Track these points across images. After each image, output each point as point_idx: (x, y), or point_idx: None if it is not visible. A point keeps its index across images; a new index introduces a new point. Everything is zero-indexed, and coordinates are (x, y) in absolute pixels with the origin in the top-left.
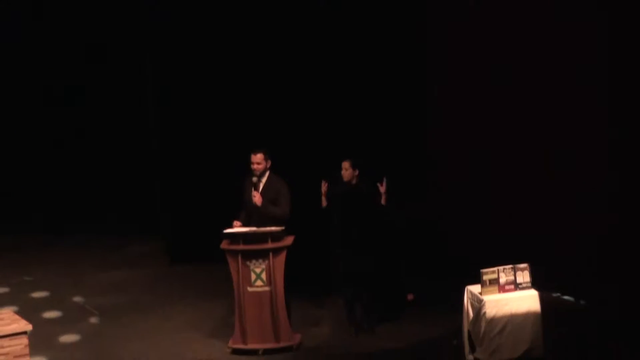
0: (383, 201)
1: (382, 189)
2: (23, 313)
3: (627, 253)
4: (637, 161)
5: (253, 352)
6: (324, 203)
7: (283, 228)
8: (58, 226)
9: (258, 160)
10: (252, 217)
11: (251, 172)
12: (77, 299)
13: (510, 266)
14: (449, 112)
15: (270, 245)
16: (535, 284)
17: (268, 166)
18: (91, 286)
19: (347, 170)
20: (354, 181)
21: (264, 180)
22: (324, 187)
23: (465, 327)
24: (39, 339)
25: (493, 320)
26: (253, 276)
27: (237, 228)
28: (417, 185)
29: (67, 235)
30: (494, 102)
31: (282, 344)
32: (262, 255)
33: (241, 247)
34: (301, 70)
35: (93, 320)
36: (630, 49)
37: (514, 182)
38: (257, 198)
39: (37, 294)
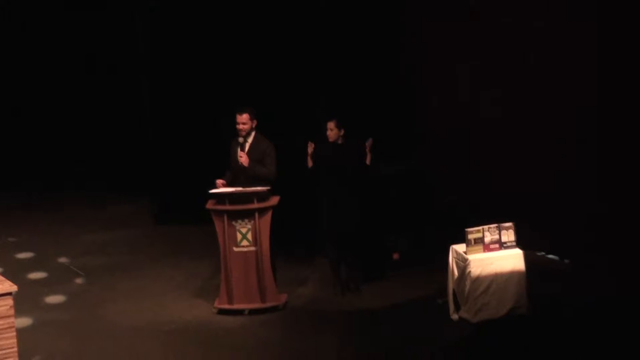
0: (367, 161)
1: (368, 148)
2: (8, 274)
3: (611, 210)
4: (628, 118)
5: (239, 312)
6: (310, 164)
7: (269, 188)
8: (43, 187)
9: (244, 120)
10: (239, 177)
11: (237, 133)
12: (62, 259)
13: (495, 225)
14: (436, 65)
15: (256, 205)
16: (520, 243)
17: (254, 126)
18: (76, 247)
19: (332, 131)
20: (339, 141)
21: (250, 140)
22: (310, 148)
23: (450, 287)
24: (24, 300)
25: (478, 280)
26: (239, 236)
27: (223, 188)
28: (405, 142)
29: (52, 196)
30: (482, 54)
31: (268, 304)
32: (247, 215)
33: (227, 207)
34: (285, 30)
35: (78, 280)
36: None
37: (500, 138)
38: (243, 158)
39: (22, 255)
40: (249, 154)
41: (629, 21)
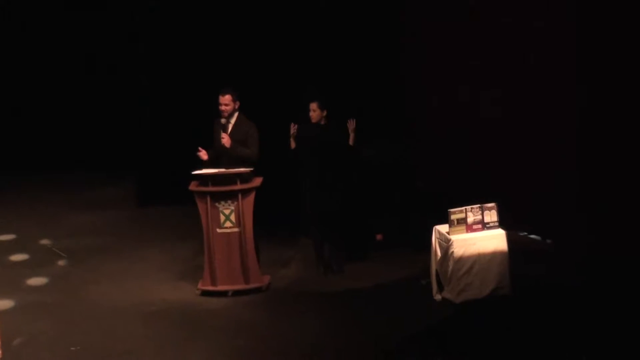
0: (351, 141)
1: (351, 128)
2: None
3: (594, 192)
4: (607, 104)
5: (222, 293)
6: (293, 145)
7: (252, 169)
8: (25, 168)
9: (226, 101)
10: (222, 158)
11: (221, 114)
12: (45, 241)
13: (478, 206)
14: (435, 65)
15: (239, 186)
16: (502, 223)
17: (237, 107)
18: (59, 229)
19: (315, 112)
20: (322, 122)
21: (233, 121)
22: (292, 129)
23: (433, 267)
24: (6, 282)
25: (461, 260)
26: (222, 218)
27: (205, 170)
28: (392, 124)
29: (34, 178)
30: (470, 39)
31: (251, 285)
32: (231, 196)
33: (210, 188)
34: (270, 11)
35: (61, 262)
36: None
37: (485, 121)
38: (225, 140)
39: (3, 237)
40: (231, 135)
41: (626, 22)
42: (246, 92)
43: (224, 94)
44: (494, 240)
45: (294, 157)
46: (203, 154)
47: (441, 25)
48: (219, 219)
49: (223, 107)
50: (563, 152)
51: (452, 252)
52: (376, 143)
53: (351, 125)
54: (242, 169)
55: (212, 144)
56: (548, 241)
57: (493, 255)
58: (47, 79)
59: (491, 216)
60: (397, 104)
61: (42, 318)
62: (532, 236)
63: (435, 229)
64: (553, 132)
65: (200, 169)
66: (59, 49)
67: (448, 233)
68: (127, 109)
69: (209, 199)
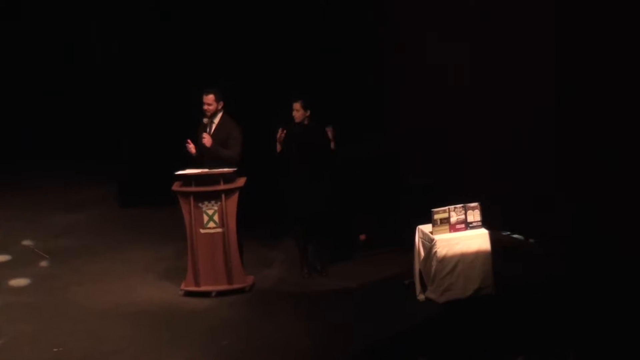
0: (332, 146)
1: (331, 136)
2: None
3: (576, 191)
4: (585, 102)
5: (206, 294)
6: (279, 149)
7: (235, 169)
8: (6, 169)
9: (209, 101)
10: (205, 159)
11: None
12: (27, 242)
13: (461, 205)
14: (404, 46)
15: (222, 186)
16: (485, 222)
17: (220, 107)
18: (41, 229)
19: (298, 112)
20: (305, 122)
21: (216, 121)
22: (281, 133)
23: (417, 267)
24: None
25: (444, 260)
26: (205, 218)
27: (189, 170)
28: (374, 121)
29: (16, 178)
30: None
31: (234, 286)
32: (214, 196)
33: (193, 188)
34: (253, 10)
35: (43, 263)
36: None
37: (467, 120)
38: (206, 140)
39: None
40: (214, 135)
41: None
42: (230, 92)
43: (207, 93)
44: (477, 239)
45: (279, 155)
46: (192, 147)
47: (418, 12)
48: (202, 220)
49: (206, 107)
50: (541, 148)
51: (436, 251)
52: (359, 139)
53: (330, 132)
54: (225, 169)
55: (197, 143)
56: (531, 240)
57: (476, 255)
58: (25, 79)
59: (474, 216)
60: (379, 98)
61: (24, 319)
62: (515, 235)
63: (419, 228)
64: (532, 130)
65: (183, 168)
66: (39, 49)
67: (431, 233)
68: (108, 109)
69: (192, 199)
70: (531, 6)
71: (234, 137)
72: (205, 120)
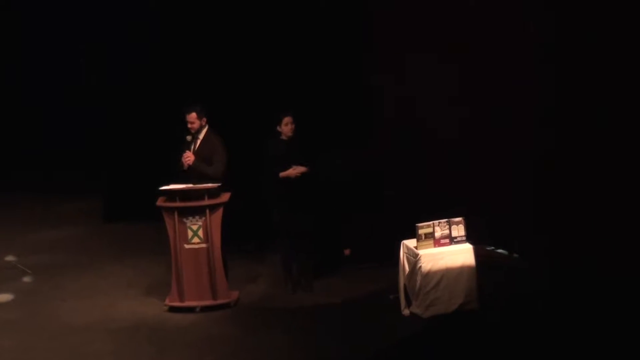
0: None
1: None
2: None
3: (559, 207)
4: (569, 119)
5: (190, 309)
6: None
7: (220, 185)
8: None
9: (192, 119)
10: (190, 174)
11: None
12: (10, 257)
13: (446, 220)
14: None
15: (207, 202)
16: (470, 237)
17: (203, 124)
18: (24, 245)
19: (288, 125)
20: (290, 134)
21: (201, 137)
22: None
23: (401, 282)
24: None
25: (428, 275)
26: (190, 233)
27: (173, 185)
28: (359, 134)
29: None
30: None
31: (219, 301)
32: (198, 212)
33: (177, 204)
34: (237, 23)
35: (26, 279)
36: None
37: (452, 135)
38: (188, 159)
39: None
40: (198, 151)
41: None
42: (213, 106)
43: (188, 111)
44: (462, 254)
45: (265, 172)
46: (188, 160)
47: (400, 32)
48: (186, 235)
49: (189, 125)
50: (522, 164)
51: (420, 266)
52: (341, 153)
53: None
54: (209, 185)
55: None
56: (515, 255)
57: (461, 270)
58: (4, 91)
59: (458, 230)
60: (362, 112)
61: (7, 335)
62: (499, 250)
63: (403, 243)
64: (512, 145)
65: (167, 183)
66: (21, 61)
67: (416, 247)
68: (91, 123)
69: (176, 214)
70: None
71: (218, 152)
72: (189, 137)
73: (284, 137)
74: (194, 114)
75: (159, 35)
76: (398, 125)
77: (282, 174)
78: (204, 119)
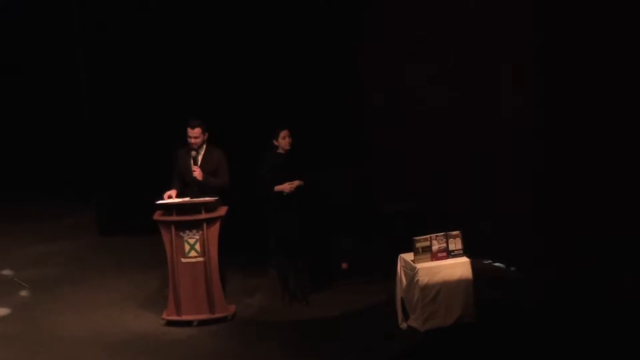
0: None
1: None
2: None
3: (557, 218)
4: (565, 131)
5: (187, 323)
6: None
7: (217, 198)
8: None
9: (196, 134)
10: (192, 188)
11: (186, 143)
12: (6, 272)
13: (443, 234)
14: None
15: (204, 216)
16: (467, 251)
17: (205, 138)
18: (20, 258)
19: (285, 139)
20: (288, 147)
21: (202, 152)
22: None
23: (399, 295)
24: None
25: (426, 288)
26: (187, 247)
27: (170, 199)
28: (352, 151)
29: None
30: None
31: (216, 315)
32: (195, 226)
33: (174, 218)
34: (230, 34)
35: (23, 293)
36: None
37: (447, 149)
38: (197, 173)
39: None
40: (202, 166)
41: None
42: (211, 120)
43: (193, 127)
44: (459, 268)
45: (257, 184)
46: (198, 175)
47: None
48: (183, 249)
49: (193, 140)
50: (520, 176)
51: (418, 280)
52: (335, 169)
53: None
54: (207, 198)
55: (175, 173)
56: (512, 269)
57: (458, 283)
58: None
59: (456, 244)
60: (354, 128)
61: (4, 349)
62: (496, 264)
63: (401, 257)
64: (511, 159)
65: (164, 197)
66: (16, 77)
67: (413, 261)
68: (88, 137)
69: (173, 228)
70: (511, 37)
71: (223, 165)
72: (192, 153)
73: (280, 151)
74: (198, 129)
75: (155, 47)
76: (390, 143)
77: (276, 188)
78: (206, 134)
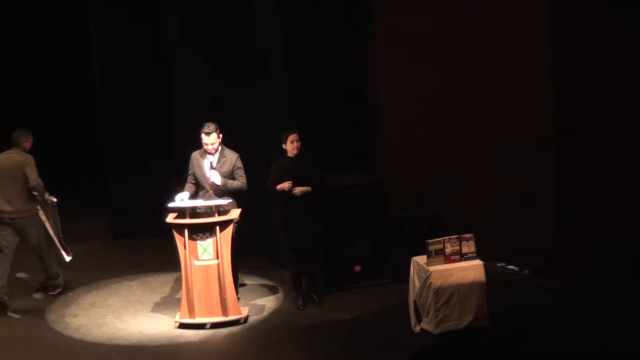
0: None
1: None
2: None
3: (569, 221)
4: (579, 132)
5: (200, 325)
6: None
7: (231, 201)
8: None
9: (212, 140)
10: (208, 191)
11: (200, 146)
12: (21, 274)
13: (456, 236)
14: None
15: (217, 218)
16: (480, 254)
17: (220, 140)
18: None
19: (293, 143)
20: (296, 151)
21: (217, 155)
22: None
23: (412, 298)
24: None
25: (439, 291)
26: (200, 250)
27: (182, 202)
28: (362, 154)
29: None
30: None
31: (230, 317)
32: (209, 228)
33: (188, 221)
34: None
35: (37, 295)
36: None
37: (458, 151)
38: (215, 177)
39: None
40: (218, 169)
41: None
42: (220, 123)
43: (209, 133)
44: (472, 270)
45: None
46: (217, 180)
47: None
48: (196, 251)
49: (210, 147)
50: (540, 179)
51: (431, 282)
52: (348, 174)
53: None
54: (220, 201)
55: (189, 175)
56: (526, 271)
57: (471, 286)
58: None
59: (469, 247)
60: (366, 132)
61: (18, 351)
62: (510, 266)
63: (414, 260)
64: (529, 160)
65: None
66: (22, 78)
67: (426, 264)
68: (101, 140)
69: (186, 231)
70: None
71: (239, 167)
72: (209, 157)
73: (289, 155)
74: (214, 135)
75: (162, 47)
76: (400, 147)
77: (278, 187)
78: (221, 136)
